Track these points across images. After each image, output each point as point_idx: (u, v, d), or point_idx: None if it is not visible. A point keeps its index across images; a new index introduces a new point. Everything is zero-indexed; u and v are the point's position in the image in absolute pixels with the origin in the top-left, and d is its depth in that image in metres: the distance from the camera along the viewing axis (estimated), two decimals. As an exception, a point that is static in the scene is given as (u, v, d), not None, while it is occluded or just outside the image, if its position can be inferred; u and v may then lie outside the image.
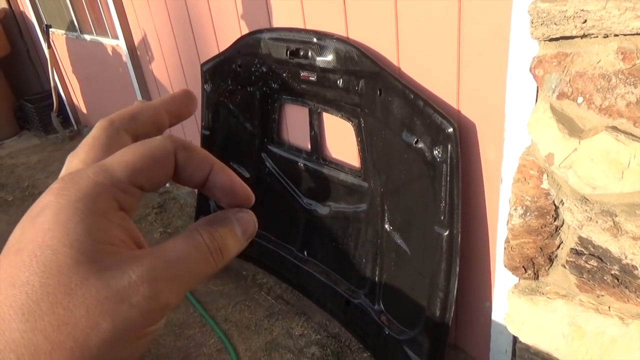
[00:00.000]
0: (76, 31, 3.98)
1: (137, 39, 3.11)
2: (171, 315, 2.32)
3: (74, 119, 5.02)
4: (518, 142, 1.27)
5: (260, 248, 2.38)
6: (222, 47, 2.31)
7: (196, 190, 3.11)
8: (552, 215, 1.19)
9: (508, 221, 1.30)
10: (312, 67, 1.79)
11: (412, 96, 1.49)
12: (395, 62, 1.58)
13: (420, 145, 1.51)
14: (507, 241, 1.34)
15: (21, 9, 4.89)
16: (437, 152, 1.47)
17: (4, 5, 5.02)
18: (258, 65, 2.04)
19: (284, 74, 1.94)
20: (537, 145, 1.15)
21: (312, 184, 2.10)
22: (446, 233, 1.50)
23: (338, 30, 1.72)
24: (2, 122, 5.07)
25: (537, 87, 1.16)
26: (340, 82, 1.73)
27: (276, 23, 1.97)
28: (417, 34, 1.46)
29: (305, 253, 2.20)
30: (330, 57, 1.71)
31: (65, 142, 4.75)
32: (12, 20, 5.09)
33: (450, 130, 1.40)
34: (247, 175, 2.40)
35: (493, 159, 1.43)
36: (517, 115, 1.25)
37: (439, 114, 1.42)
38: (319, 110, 1.95)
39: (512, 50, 1.19)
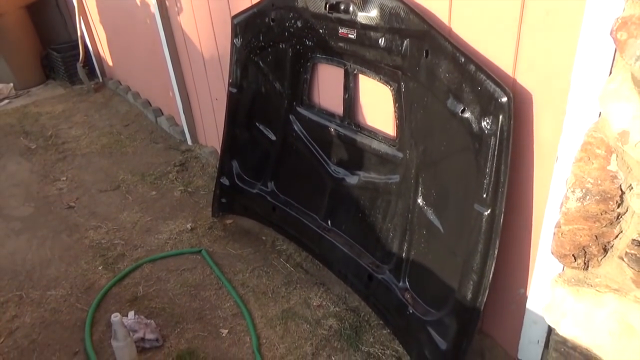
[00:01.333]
0: (105, -21, 3.85)
1: (166, -11, 2.98)
2: (187, 275, 2.28)
3: (100, 71, 4.96)
4: (582, 116, 1.13)
5: (282, 214, 2.30)
6: (255, 0, 2.17)
7: (219, 150, 3.03)
8: (616, 201, 1.07)
9: (562, 204, 1.17)
10: (352, 23, 1.65)
11: (463, 59, 1.34)
12: (446, 21, 1.43)
13: (467, 114, 1.38)
14: (557, 226, 1.22)
15: (51, -47, 4.77)
16: (485, 123, 1.33)
17: (35, -51, 4.91)
18: (293, 20, 1.91)
19: (321, 30, 1.81)
20: (609, 120, 1.01)
21: (342, 151, 1.99)
22: (487, 212, 1.38)
23: (384, -17, 1.56)
24: (28, 70, 5.03)
25: (615, 54, 1.02)
26: (382, 41, 1.59)
27: (316, -26, 1.82)
28: (475, -11, 1.31)
29: (329, 222, 2.11)
30: (374, 13, 1.57)
31: (90, 93, 4.70)
32: (42, -34, 4.99)
33: (505, 99, 1.27)
34: (274, 137, 2.29)
35: (548, 134, 1.29)
36: (585, 85, 1.11)
37: (493, 81, 1.28)
38: (355, 72, 1.82)
39: (588, 10, 1.04)
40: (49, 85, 5.04)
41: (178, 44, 3.18)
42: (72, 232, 2.67)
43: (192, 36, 2.94)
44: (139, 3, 3.45)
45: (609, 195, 1.07)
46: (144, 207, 2.84)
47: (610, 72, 1.03)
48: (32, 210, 2.90)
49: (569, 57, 1.15)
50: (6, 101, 4.69)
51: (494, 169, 1.34)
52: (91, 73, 4.97)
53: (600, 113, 1.07)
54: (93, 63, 4.96)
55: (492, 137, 1.32)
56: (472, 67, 1.33)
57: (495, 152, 1.33)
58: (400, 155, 1.74)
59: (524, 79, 1.30)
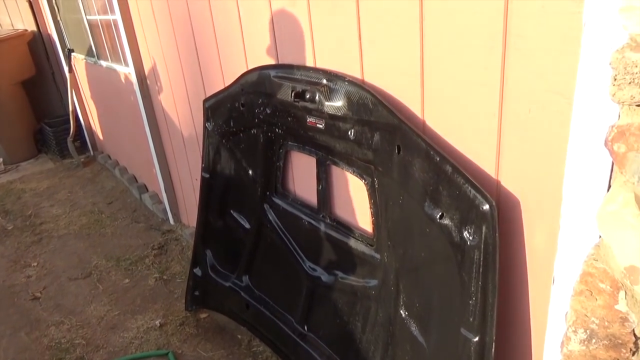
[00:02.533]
0: (94, 57, 3.85)
1: (147, 68, 2.92)
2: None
3: (91, 144, 4.90)
4: (579, 235, 0.93)
5: (256, 312, 2.06)
6: (228, 82, 2.06)
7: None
8: (630, 349, 0.84)
9: (563, 344, 0.94)
10: (319, 113, 1.50)
11: (438, 159, 1.17)
12: (419, 114, 1.27)
13: (446, 221, 1.18)
14: (560, 369, 0.98)
15: (48, 32, 4.85)
16: (467, 233, 1.13)
17: (33, 27, 5.00)
18: (262, 107, 1.77)
19: (289, 118, 1.66)
20: (612, 250, 0.81)
21: (317, 247, 1.78)
22: (476, 339, 1.15)
23: (352, 71, 1.43)
24: (20, 145, 4.98)
25: (612, 166, 0.83)
26: (351, 133, 1.43)
27: (284, 59, 1.70)
28: (448, 80, 1.15)
29: (306, 327, 1.86)
30: (340, 103, 1.42)
31: (78, 168, 4.60)
32: (40, 43, 5.07)
33: (486, 207, 1.07)
34: (248, 226, 2.10)
35: (542, 248, 1.08)
36: (579, 199, 0.91)
37: (472, 185, 1.10)
38: (327, 162, 1.65)
39: (576, 113, 0.87)
40: (40, 159, 4.97)
41: (159, 121, 3.08)
42: (32, 328, 2.43)
43: (172, 115, 2.84)
44: (123, 80, 3.40)
45: (620, 342, 0.84)
46: (114, 299, 2.61)
47: (609, 187, 0.84)
48: (-6, 302, 2.68)
49: (558, 162, 0.97)
50: (-7, 177, 4.59)
51: (479, 288, 1.12)
52: (83, 147, 4.91)
53: (600, 235, 0.87)
54: (85, 137, 4.90)
55: (476, 250, 1.12)
56: (449, 168, 1.14)
57: (481, 269, 1.11)
58: (378, 256, 1.53)
59: (510, 182, 1.11)
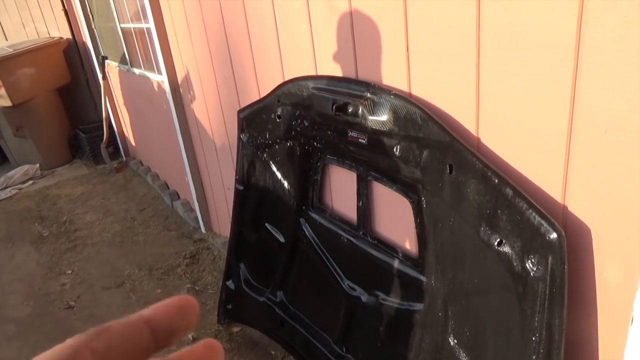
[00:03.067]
0: (127, 64, 3.87)
1: (180, 77, 2.90)
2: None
3: (124, 150, 4.94)
4: (669, 273, 0.82)
5: (291, 330, 2.00)
6: (263, 93, 2.00)
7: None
8: None
9: (649, 396, 0.84)
10: (362, 127, 1.42)
11: (497, 180, 1.07)
12: (473, 131, 1.18)
13: (506, 248, 1.08)
14: (643, 422, 0.87)
15: (83, 39, 4.92)
16: (530, 263, 1.03)
17: (68, 35, 5.09)
18: (300, 119, 1.70)
19: (329, 132, 1.59)
20: None
21: (357, 265, 1.70)
22: (539, 379, 1.05)
23: (398, 84, 1.35)
24: (56, 151, 5.07)
25: None
26: (397, 150, 1.34)
27: (322, 70, 1.63)
28: (508, 96, 1.06)
29: (344, 349, 1.78)
30: (385, 117, 1.33)
31: (111, 174, 4.64)
32: (75, 51, 5.15)
33: (554, 236, 0.97)
34: (282, 240, 2.04)
35: (617, 283, 0.98)
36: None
37: (537, 211, 1.00)
38: (369, 178, 1.57)
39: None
40: (74, 164, 5.05)
41: (191, 129, 3.05)
42: (66, 339, 2.43)
43: (205, 124, 2.81)
44: (156, 88, 3.40)
45: None
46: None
47: None
48: (30, 310, 2.70)
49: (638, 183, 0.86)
50: (30, 182, 4.68)
51: (544, 324, 1.02)
52: (116, 153, 4.96)
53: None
54: (117, 143, 4.96)
55: (540, 283, 1.02)
56: (509, 191, 1.05)
57: (546, 303, 1.01)
58: (424, 279, 1.44)
59: (578, 208, 1.01)
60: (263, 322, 2.18)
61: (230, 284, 2.31)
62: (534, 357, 1.05)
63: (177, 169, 3.51)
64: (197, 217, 3.34)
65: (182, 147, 3.11)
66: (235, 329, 2.36)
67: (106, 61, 4.40)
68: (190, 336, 2.26)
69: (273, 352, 2.20)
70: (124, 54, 3.85)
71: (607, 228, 0.97)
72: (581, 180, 0.98)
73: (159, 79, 3.22)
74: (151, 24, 2.79)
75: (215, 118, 2.63)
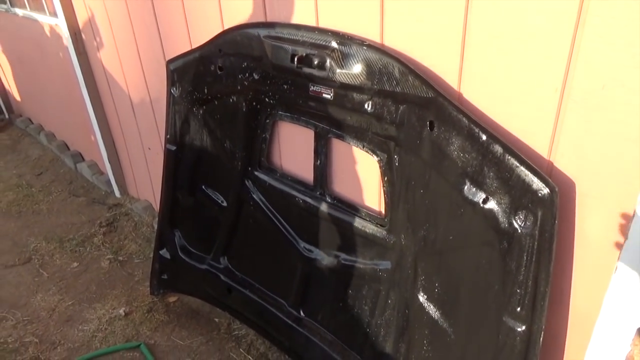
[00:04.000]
0: (6, 3, 3.27)
1: (81, 20, 2.50)
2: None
3: (5, 106, 4.28)
4: (662, 224, 0.86)
5: (240, 297, 1.91)
6: (196, 42, 1.79)
7: (154, 206, 2.59)
8: None
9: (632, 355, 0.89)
10: (328, 81, 1.31)
11: (485, 137, 1.05)
12: (455, 85, 1.13)
13: (491, 205, 1.08)
14: (631, 362, 0.94)
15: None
16: (519, 219, 1.04)
17: None
18: (248, 71, 1.54)
19: (285, 86, 1.45)
20: None
21: (314, 227, 1.64)
22: (522, 329, 1.09)
23: (367, 33, 1.25)
24: None
25: None
26: (368, 105, 1.26)
27: (274, 16, 1.47)
28: (497, 45, 1.02)
29: (302, 311, 1.74)
30: (357, 70, 1.24)
31: (-7, 134, 4.02)
32: None
33: (546, 192, 0.98)
34: (225, 203, 1.90)
35: (597, 235, 1.02)
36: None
37: (528, 168, 0.99)
38: (329, 135, 1.48)
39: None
40: (-58, 124, 4.29)
41: (99, 82, 2.69)
42: (-31, 329, 2.11)
43: (116, 75, 2.48)
44: (48, 33, 2.92)
45: None
46: (63, 286, 2.33)
47: None
48: None
49: (636, 145, 0.88)
50: None
51: (530, 277, 1.05)
52: (-5, 108, 4.29)
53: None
54: (-4, 97, 4.28)
55: (529, 238, 1.03)
56: (498, 148, 1.03)
57: (534, 257, 1.03)
58: (391, 238, 1.42)
59: (565, 163, 1.02)
60: (206, 290, 2.05)
61: (164, 252, 2.13)
62: (518, 309, 1.08)
63: (80, 127, 3.12)
64: (109, 180, 3.02)
65: (88, 102, 2.74)
66: (172, 299, 2.21)
67: (-26, -1, 3.69)
68: (122, 311, 2.09)
69: (217, 320, 2.10)
70: (1, -10, 3.24)
71: (593, 182, 0.99)
72: (571, 136, 0.99)
73: (52, 22, 2.77)
74: (41, -45, 2.34)
75: (131, 69, 2.33)
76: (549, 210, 0.99)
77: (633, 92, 0.87)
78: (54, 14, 2.65)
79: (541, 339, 1.07)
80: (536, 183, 0.99)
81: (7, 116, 4.26)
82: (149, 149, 2.54)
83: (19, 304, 2.24)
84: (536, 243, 1.02)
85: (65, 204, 3.02)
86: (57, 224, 2.81)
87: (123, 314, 2.13)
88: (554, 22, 0.92)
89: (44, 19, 2.88)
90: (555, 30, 0.92)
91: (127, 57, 2.30)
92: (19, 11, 3.16)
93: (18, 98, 4.08)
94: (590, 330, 1.07)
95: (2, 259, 2.54)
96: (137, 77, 2.31)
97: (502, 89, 1.05)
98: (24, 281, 2.38)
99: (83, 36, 2.56)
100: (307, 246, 1.67)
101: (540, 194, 0.98)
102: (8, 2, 3.24)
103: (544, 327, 1.06)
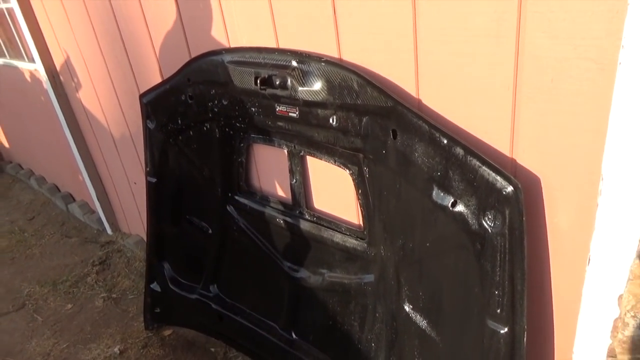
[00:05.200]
0: (-14, 53, 3.32)
1: (58, 63, 2.53)
2: None
3: (-5, 154, 4.31)
4: (631, 213, 0.85)
5: (232, 324, 1.88)
6: (167, 73, 1.81)
7: (145, 239, 2.58)
8: (699, 329, 0.78)
9: (617, 330, 0.88)
10: (292, 100, 1.32)
11: (446, 141, 1.05)
12: (413, 93, 1.14)
13: (460, 208, 1.07)
14: (612, 354, 0.92)
15: None
16: (487, 219, 1.03)
17: None
18: (216, 98, 1.55)
19: (253, 109, 1.46)
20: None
21: (296, 245, 1.63)
22: (504, 330, 1.07)
23: (325, 49, 1.26)
24: None
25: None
26: (333, 120, 1.27)
27: (237, 41, 1.48)
28: (449, 52, 1.03)
29: (293, 333, 1.72)
30: (317, 87, 1.25)
31: (-16, 183, 4.04)
32: None
33: (510, 189, 0.97)
34: (210, 230, 1.89)
35: (568, 227, 1.01)
36: (625, 174, 0.83)
37: (490, 167, 0.99)
38: (301, 153, 1.49)
39: (622, 81, 0.78)
40: None
41: (80, 122, 2.71)
42: (-37, 381, 2.08)
43: (96, 113, 2.50)
44: (29, 78, 2.96)
45: (690, 323, 0.78)
46: (58, 329, 2.30)
47: (665, 159, 0.76)
48: None
49: (591, 135, 0.88)
50: None
51: (506, 277, 1.04)
52: (-15, 157, 4.31)
53: (655, 211, 0.80)
54: (-15, 146, 4.30)
55: (499, 237, 1.02)
56: (459, 151, 1.03)
57: (507, 256, 1.02)
58: (372, 250, 1.41)
59: (527, 159, 1.02)
60: (198, 319, 2.03)
61: (155, 286, 2.11)
62: (498, 310, 1.06)
63: (68, 168, 3.13)
64: (100, 218, 3.02)
65: (72, 142, 2.76)
66: (167, 332, 2.19)
67: (-43, 52, 3.74)
68: (117, 349, 2.07)
69: (213, 349, 2.07)
70: (-20, 41, 3.29)
71: (557, 175, 0.99)
72: (529, 132, 0.99)
73: (31, 67, 2.81)
74: (14, 3, 2.38)
75: (109, 106, 2.35)
76: (515, 208, 0.98)
77: (580, 81, 0.87)
78: (31, 59, 2.69)
79: (524, 339, 1.05)
80: (500, 182, 0.99)
81: (-3, 164, 4.28)
82: (135, 183, 2.54)
83: (14, 351, 2.22)
84: (507, 242, 1.01)
85: (58, 245, 3.01)
86: (50, 267, 2.79)
87: (118, 352, 2.11)
88: (496, 22, 0.93)
89: (23, 65, 2.92)
90: (499, 30, 0.93)
91: (105, 95, 2.32)
92: (0, 60, 3.20)
93: (7, 145, 4.11)
94: (576, 323, 1.06)
95: (-4, 307, 2.53)
96: (116, 113, 2.33)
97: (458, 92, 1.06)
98: (19, 327, 2.35)
99: (61, 78, 2.59)
100: (292, 265, 1.66)
101: (504, 192, 0.98)
102: (-12, 52, 3.29)
103: (526, 326, 1.04)
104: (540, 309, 1.14)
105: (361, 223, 1.44)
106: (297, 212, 1.60)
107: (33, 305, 2.50)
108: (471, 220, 1.06)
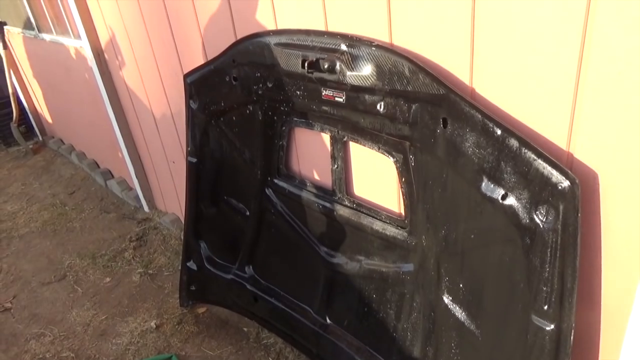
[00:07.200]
0: (33, 29, 3.41)
1: (103, 41, 2.58)
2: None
3: (39, 129, 4.45)
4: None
5: (266, 305, 1.91)
6: (211, 54, 1.82)
7: (181, 218, 2.63)
8: None
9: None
10: (339, 85, 1.31)
11: (500, 132, 1.02)
12: (467, 81, 1.11)
13: (511, 201, 1.05)
14: (667, 359, 0.89)
15: (-28, 4, 4.27)
16: (540, 214, 1.00)
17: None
18: (261, 80, 1.55)
19: (298, 92, 1.46)
20: None
21: (335, 232, 1.63)
22: (551, 327, 1.05)
23: (376, 34, 1.24)
24: (-45, 134, 4.46)
25: None
26: (380, 107, 1.25)
27: (284, 23, 1.48)
28: (507, 37, 0.99)
29: (327, 317, 1.73)
30: (367, 72, 1.23)
31: (28, 156, 4.18)
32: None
33: (566, 184, 0.94)
34: (247, 212, 1.91)
35: (626, 228, 0.97)
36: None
37: (547, 161, 0.96)
38: (345, 139, 1.48)
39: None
40: (-19, 149, 4.49)
41: (123, 100, 2.77)
42: (9, 344, 2.18)
43: (139, 92, 2.54)
44: (74, 55, 3.03)
45: None
46: (97, 301, 2.38)
47: None
48: (-42, 318, 2.39)
49: (661, 131, 0.84)
50: None
51: (556, 274, 1.01)
52: (30, 132, 4.46)
53: None
54: (30, 121, 4.45)
55: (551, 233, 0.99)
56: (514, 142, 1.00)
57: (558, 253, 0.99)
58: (412, 240, 1.39)
59: (585, 153, 0.98)
60: (232, 299, 2.07)
61: (191, 264, 2.16)
62: (545, 307, 1.04)
63: (108, 144, 3.21)
64: (137, 195, 3.09)
65: (114, 120, 2.82)
66: (201, 310, 2.23)
67: (5, 27, 3.87)
68: (153, 323, 2.13)
69: (245, 329, 2.11)
70: (28, 17, 3.38)
71: (617, 173, 0.95)
72: (589, 125, 0.95)
73: (77, 44, 2.87)
74: (62, -19, 2.43)
75: (151, 85, 2.38)
76: (570, 204, 0.95)
77: (652, 75, 0.83)
78: (78, 36, 2.75)
79: (571, 337, 1.03)
80: (555, 176, 0.95)
81: (40, 138, 4.43)
82: (173, 162, 2.59)
83: (56, 319, 2.31)
84: (560, 238, 0.99)
85: (97, 220, 3.10)
86: (89, 241, 2.88)
87: (154, 326, 2.17)
88: (564, 8, 0.89)
89: (69, 42, 2.98)
90: (566, 17, 0.89)
91: (148, 74, 2.36)
92: (46, 36, 3.28)
93: (50, 120, 4.23)
94: (625, 327, 1.03)
95: (39, 276, 2.63)
96: (158, 93, 2.36)
97: (515, 81, 1.03)
98: (60, 297, 2.45)
99: (106, 56, 2.64)
100: (329, 251, 1.67)
101: (560, 187, 0.95)
102: (36, 28, 3.37)
103: (574, 324, 1.02)
104: (587, 309, 1.10)
105: (402, 212, 1.42)
106: (337, 197, 1.59)
107: (74, 276, 2.59)
108: (522, 214, 1.04)
